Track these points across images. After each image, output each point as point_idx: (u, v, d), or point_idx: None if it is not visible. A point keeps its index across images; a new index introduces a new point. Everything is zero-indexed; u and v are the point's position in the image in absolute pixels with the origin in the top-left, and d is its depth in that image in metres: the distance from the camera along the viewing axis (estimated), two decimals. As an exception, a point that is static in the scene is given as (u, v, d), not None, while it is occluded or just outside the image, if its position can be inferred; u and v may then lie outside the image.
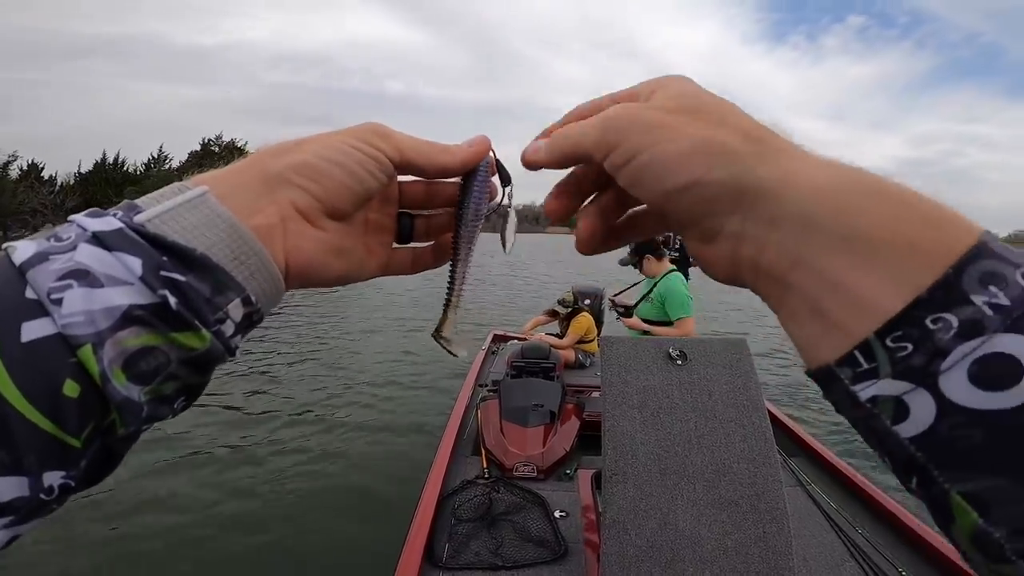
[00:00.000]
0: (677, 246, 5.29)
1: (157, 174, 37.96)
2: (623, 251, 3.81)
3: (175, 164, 41.39)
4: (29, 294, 0.22)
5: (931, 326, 0.20)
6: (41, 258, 0.23)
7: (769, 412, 1.87)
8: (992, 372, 0.19)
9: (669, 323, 3.57)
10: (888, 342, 0.20)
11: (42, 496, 0.23)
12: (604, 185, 0.34)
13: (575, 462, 3.08)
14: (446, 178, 0.36)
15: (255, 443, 4.82)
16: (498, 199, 0.37)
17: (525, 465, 2.89)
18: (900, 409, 0.21)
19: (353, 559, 3.19)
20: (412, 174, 0.35)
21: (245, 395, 5.97)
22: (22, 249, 0.24)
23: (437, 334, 0.37)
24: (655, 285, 3.67)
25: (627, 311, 3.82)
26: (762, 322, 11.90)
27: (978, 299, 0.19)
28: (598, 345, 4.97)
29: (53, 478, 0.23)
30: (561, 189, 0.35)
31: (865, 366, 0.21)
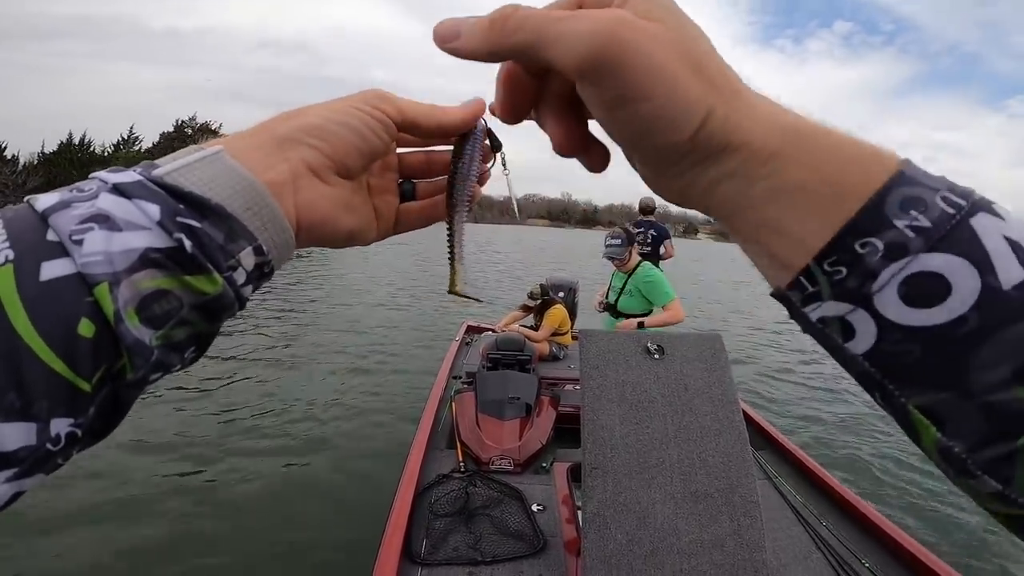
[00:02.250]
0: (648, 240, 5.37)
1: (125, 156, 36.28)
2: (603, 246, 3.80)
3: (146, 146, 39.71)
4: (51, 236, 0.23)
5: (860, 250, 0.22)
6: (64, 205, 0.24)
7: None
8: (920, 290, 0.21)
9: (648, 312, 3.64)
10: (825, 267, 0.22)
11: (48, 446, 0.23)
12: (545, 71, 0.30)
13: (551, 455, 3.10)
14: (444, 136, 0.38)
15: (222, 440, 4.69)
16: (491, 164, 0.39)
17: (501, 458, 2.89)
18: (847, 328, 0.23)
19: (331, 557, 3.15)
20: (412, 134, 0.36)
21: (212, 389, 5.79)
22: (44, 198, 0.25)
23: (452, 289, 0.39)
24: (628, 278, 3.70)
25: (612, 309, 3.85)
26: (729, 320, 12.18)
27: (900, 223, 0.21)
28: (572, 337, 5.06)
29: (61, 425, 0.23)
30: (510, 87, 0.31)
31: (810, 289, 0.23)
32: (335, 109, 0.32)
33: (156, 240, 0.24)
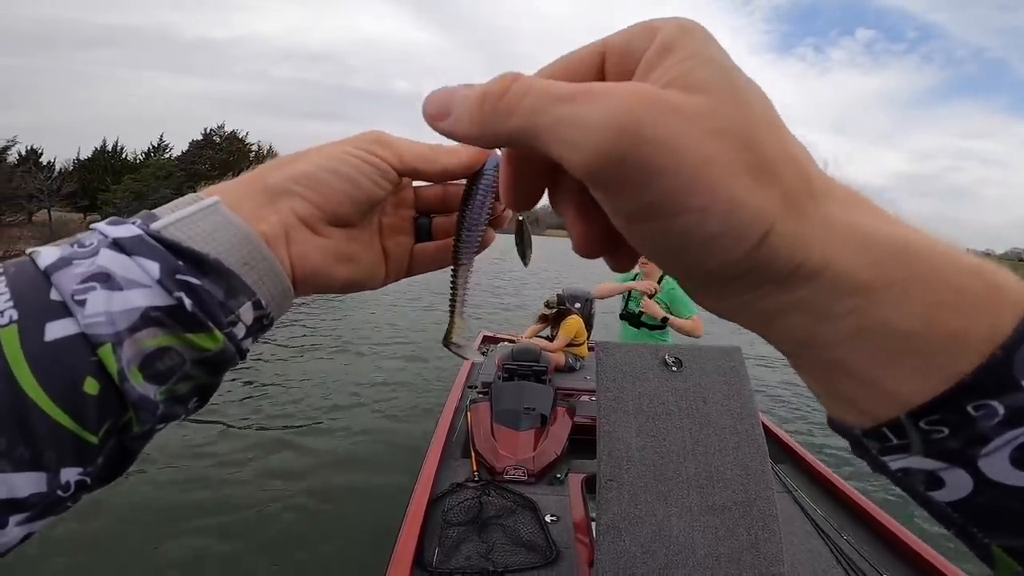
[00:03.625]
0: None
1: (156, 163, 36.88)
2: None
3: (176, 153, 40.54)
4: (54, 296, 0.24)
5: (973, 412, 0.18)
6: (65, 262, 0.24)
7: None
8: None
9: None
10: (921, 424, 0.19)
11: (59, 492, 0.24)
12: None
13: (566, 466, 3.08)
14: (451, 179, 0.35)
15: (237, 449, 4.73)
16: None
17: (516, 468, 2.88)
18: (933, 480, 0.19)
19: (342, 564, 3.16)
20: (416, 179, 0.35)
21: (231, 402, 5.85)
22: (46, 254, 0.25)
23: (447, 341, 0.37)
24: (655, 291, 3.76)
25: (634, 319, 3.89)
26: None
27: None
28: (588, 348, 5.04)
29: (70, 474, 0.24)
30: (515, 167, 0.25)
31: (895, 442, 0.19)
32: (329, 155, 0.31)
33: (156, 298, 0.24)
